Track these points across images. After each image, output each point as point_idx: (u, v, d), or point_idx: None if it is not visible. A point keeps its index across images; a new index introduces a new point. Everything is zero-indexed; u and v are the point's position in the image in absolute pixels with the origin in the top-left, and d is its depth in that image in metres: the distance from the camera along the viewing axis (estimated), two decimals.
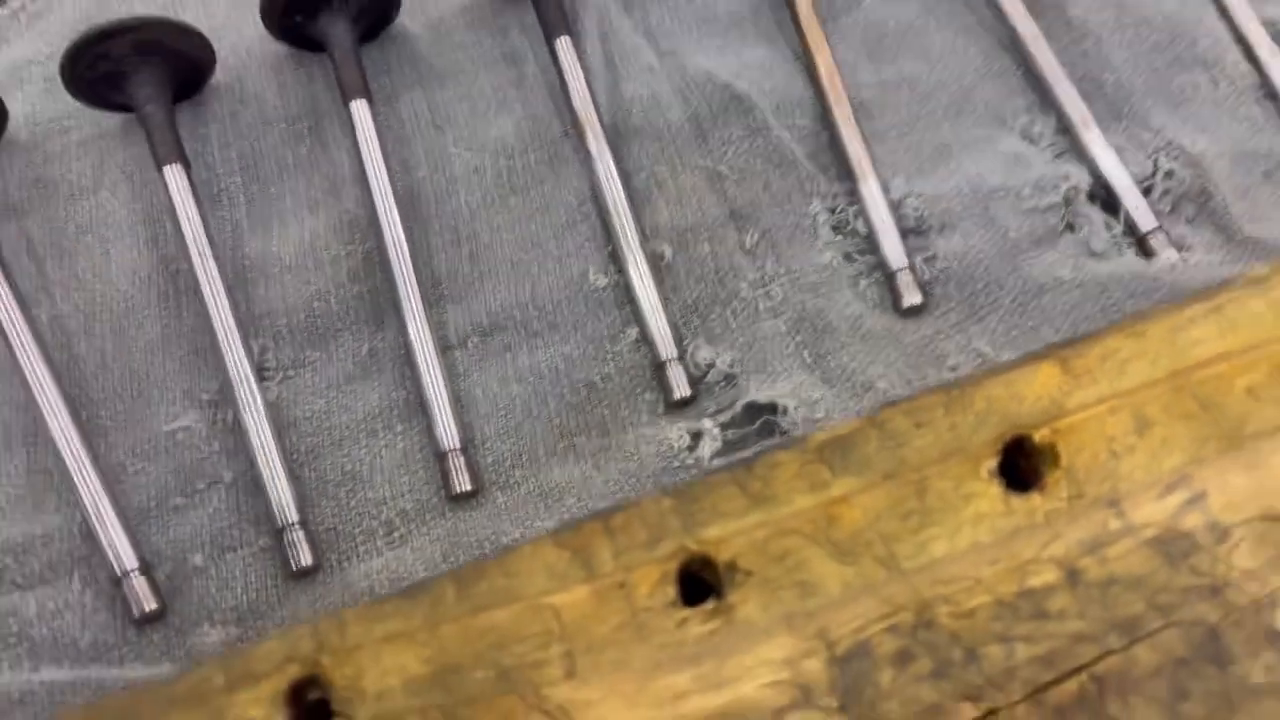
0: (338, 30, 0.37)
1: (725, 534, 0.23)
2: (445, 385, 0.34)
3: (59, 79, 0.37)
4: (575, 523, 0.24)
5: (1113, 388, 0.25)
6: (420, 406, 0.33)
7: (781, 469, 0.24)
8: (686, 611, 0.22)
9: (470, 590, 0.22)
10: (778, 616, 0.22)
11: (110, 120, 0.38)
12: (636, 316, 0.35)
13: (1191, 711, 0.22)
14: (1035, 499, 0.24)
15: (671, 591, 0.22)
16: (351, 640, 0.22)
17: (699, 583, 0.23)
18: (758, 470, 0.24)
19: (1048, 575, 0.23)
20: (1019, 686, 0.22)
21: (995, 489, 0.24)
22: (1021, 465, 0.24)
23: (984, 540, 0.23)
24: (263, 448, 0.33)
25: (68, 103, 0.37)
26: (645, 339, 0.35)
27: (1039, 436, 0.24)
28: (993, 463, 0.24)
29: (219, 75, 0.39)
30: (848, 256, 0.37)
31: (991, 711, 0.22)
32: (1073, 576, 0.23)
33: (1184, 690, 0.22)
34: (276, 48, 0.39)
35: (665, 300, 0.35)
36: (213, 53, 0.38)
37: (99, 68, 0.36)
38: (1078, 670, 0.22)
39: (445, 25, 0.40)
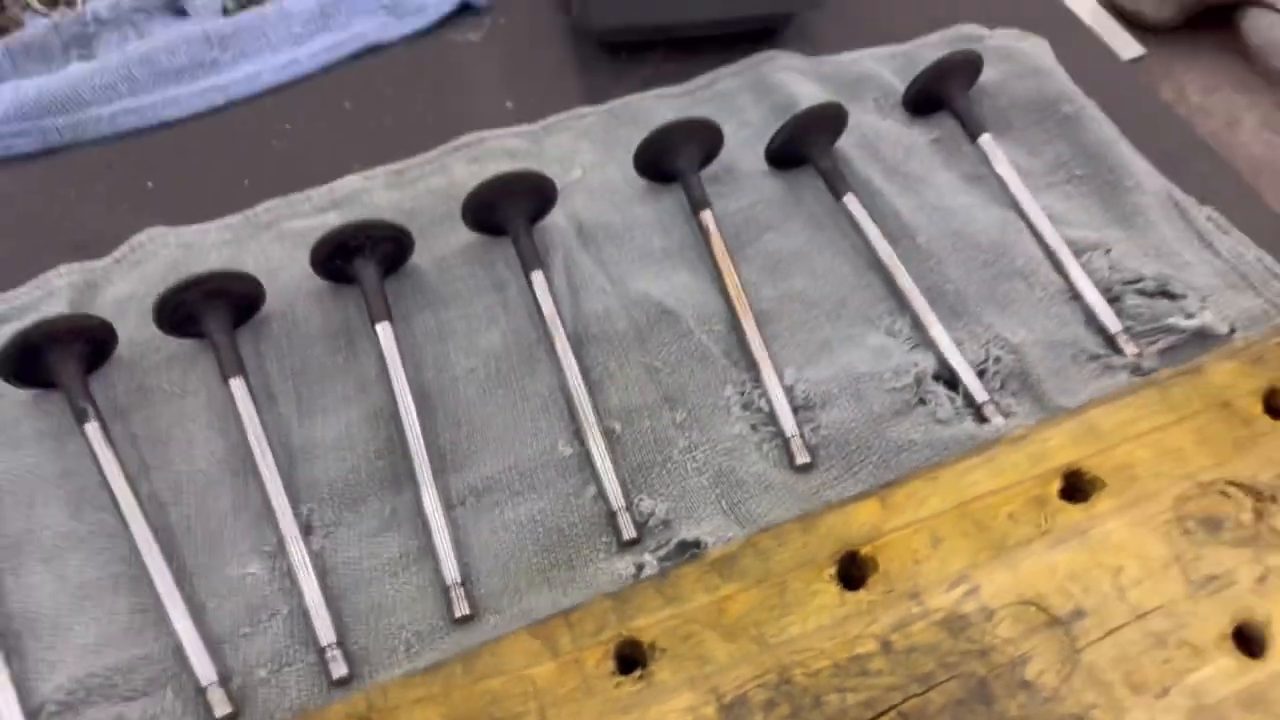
0: (367, 270, 0.50)
1: (648, 623, 0.33)
2: (449, 535, 0.44)
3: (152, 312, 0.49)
4: (545, 619, 0.34)
5: (915, 516, 0.36)
6: (430, 551, 0.44)
7: (686, 577, 0.34)
8: (621, 678, 0.32)
9: (473, 667, 0.32)
10: (683, 679, 0.32)
11: (191, 341, 0.50)
12: (594, 477, 0.45)
13: None
14: (861, 594, 0.34)
15: (611, 664, 0.32)
16: (392, 702, 0.32)
17: (630, 658, 0.33)
18: (670, 579, 0.34)
19: (869, 646, 0.33)
20: None
21: (833, 587, 0.34)
22: (852, 571, 0.35)
23: (825, 623, 0.33)
24: (309, 588, 0.43)
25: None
26: (601, 494, 0.45)
27: (864, 550, 0.35)
28: (832, 569, 0.35)
29: (275, 303, 0.50)
30: (754, 427, 0.48)
31: None
32: (886, 646, 0.33)
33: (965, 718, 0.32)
34: (319, 283, 0.51)
35: (616, 464, 0.46)
36: (262, 289, 0.49)
37: (179, 311, 0.47)
38: (890, 709, 0.32)
39: (447, 262, 0.53)
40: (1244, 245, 0.54)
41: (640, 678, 0.32)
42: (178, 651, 0.41)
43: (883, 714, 0.32)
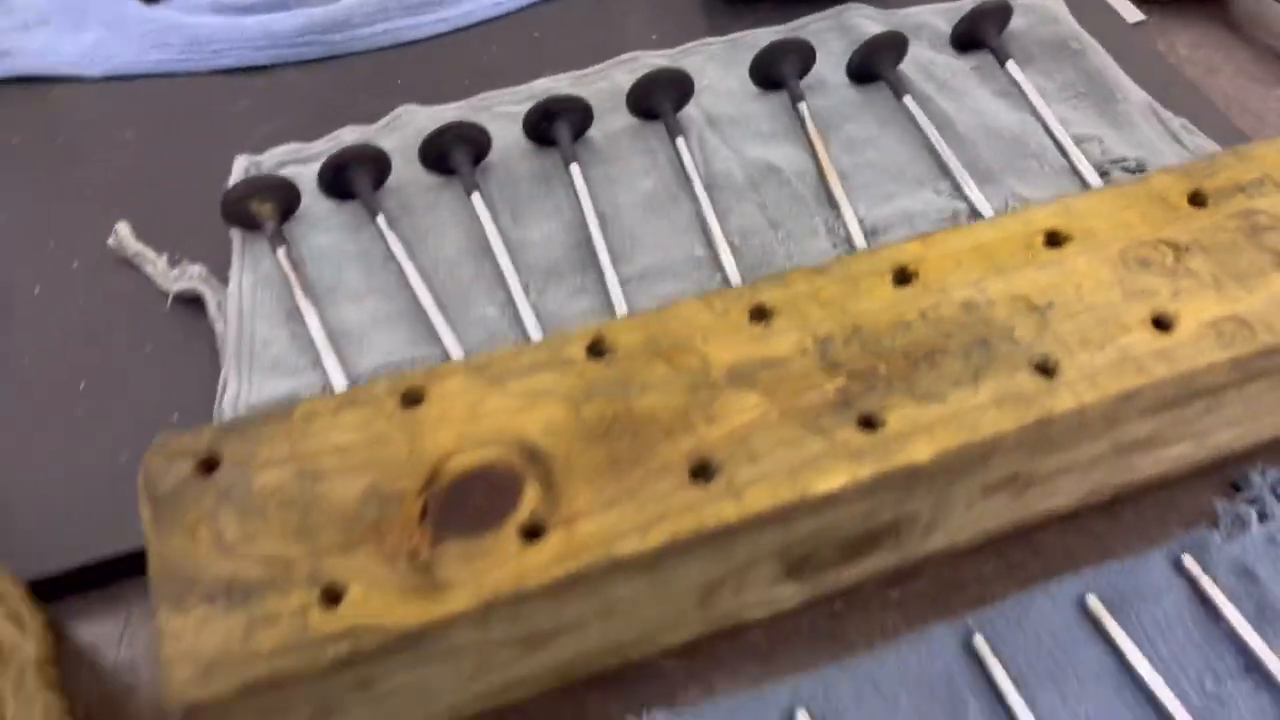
0: (562, 130, 0.70)
1: (769, 297, 0.52)
2: (622, 300, 0.63)
3: (413, 157, 0.70)
4: (706, 293, 0.54)
5: (944, 251, 0.54)
6: (609, 308, 0.63)
7: (794, 275, 0.53)
8: (754, 324, 0.51)
9: (661, 314, 0.51)
10: (793, 326, 0.51)
11: (439, 176, 0.71)
12: (720, 271, 0.65)
13: (974, 360, 0.50)
14: (907, 290, 0.53)
15: (747, 317, 0.52)
16: (612, 330, 0.51)
17: (758, 314, 0.52)
18: (783, 276, 0.53)
19: (912, 315, 0.52)
20: (899, 355, 0.50)
21: (889, 286, 0.53)
22: (902, 277, 0.54)
23: (883, 304, 0.52)
24: (530, 322, 0.62)
25: (420, 168, 0.70)
26: (725, 281, 0.64)
27: (910, 266, 0.54)
28: (889, 276, 0.53)
29: (494, 157, 0.71)
30: (834, 245, 0.66)
31: (887, 362, 0.50)
32: (923, 315, 0.52)
33: (970, 354, 0.50)
34: (526, 144, 0.71)
35: (736, 264, 0.66)
36: (490, 139, 0.70)
37: (435, 150, 0.69)
38: (923, 346, 0.51)
39: (614, 136, 0.72)
40: (1208, 143, 0.72)
41: (765, 324, 0.51)
42: (445, 355, 0.61)
43: (917, 349, 0.51)
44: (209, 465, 0.46)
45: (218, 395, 0.58)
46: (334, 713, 0.45)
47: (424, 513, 0.45)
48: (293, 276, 0.62)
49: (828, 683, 0.51)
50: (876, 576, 0.55)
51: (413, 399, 0.48)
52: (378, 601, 0.42)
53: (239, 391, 0.58)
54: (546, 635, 0.47)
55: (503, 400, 0.48)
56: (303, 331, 0.61)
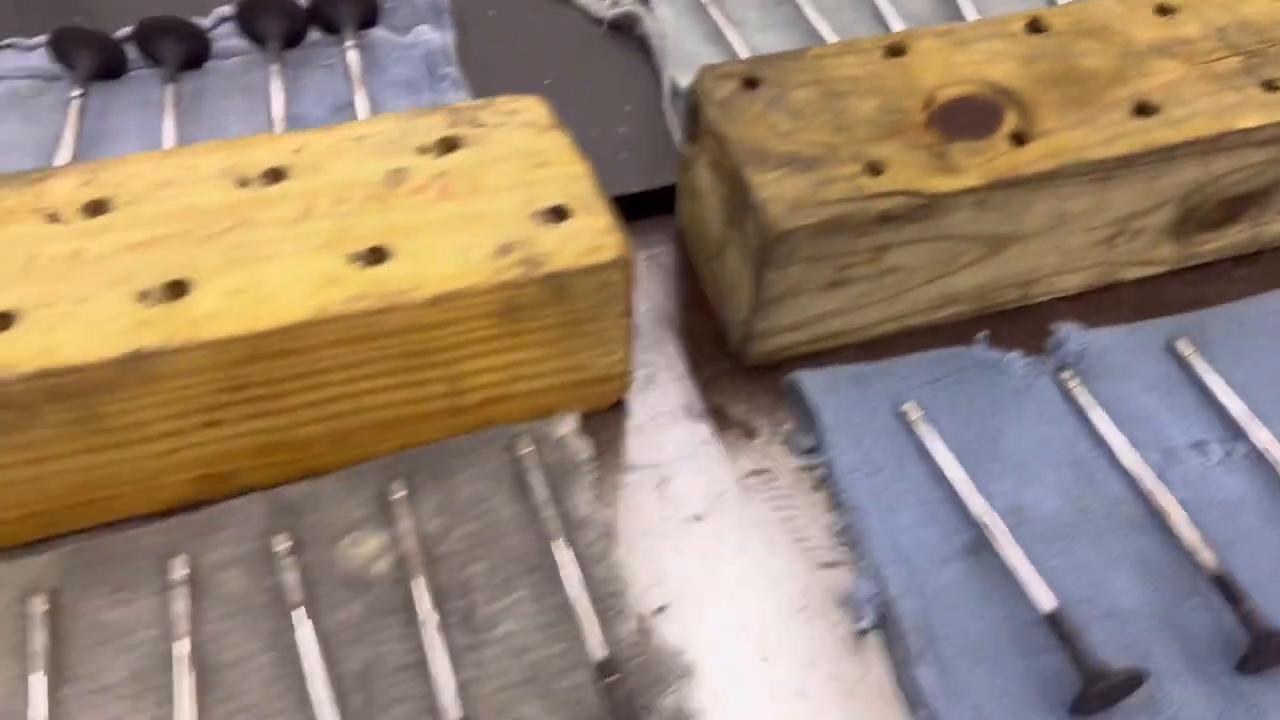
0: None
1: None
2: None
3: None
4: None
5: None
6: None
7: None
8: (1159, 16, 0.62)
9: (1083, 6, 0.63)
10: (1192, 19, 0.62)
11: None
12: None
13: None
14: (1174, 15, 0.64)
15: (1153, 12, 0.63)
16: (1045, 13, 0.62)
17: (1163, 10, 0.63)
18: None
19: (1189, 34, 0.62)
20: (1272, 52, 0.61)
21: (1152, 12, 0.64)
22: (1161, 11, 0.64)
23: (1265, 7, 0.63)
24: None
25: None
26: None
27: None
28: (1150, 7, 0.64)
29: None
30: None
31: (1278, 46, 0.61)
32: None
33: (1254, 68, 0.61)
34: None
35: None
36: None
37: None
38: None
39: None
40: None
41: (1170, 17, 0.62)
42: None
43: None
44: (751, 83, 0.57)
45: (665, 91, 0.70)
46: (842, 284, 0.56)
47: (928, 123, 0.56)
48: (712, 6, 0.74)
49: (1202, 321, 0.62)
50: (1229, 252, 0.66)
51: (895, 51, 0.60)
52: (910, 174, 0.54)
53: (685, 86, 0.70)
54: (1005, 240, 0.58)
55: (968, 56, 0.60)
56: (726, 49, 0.72)
